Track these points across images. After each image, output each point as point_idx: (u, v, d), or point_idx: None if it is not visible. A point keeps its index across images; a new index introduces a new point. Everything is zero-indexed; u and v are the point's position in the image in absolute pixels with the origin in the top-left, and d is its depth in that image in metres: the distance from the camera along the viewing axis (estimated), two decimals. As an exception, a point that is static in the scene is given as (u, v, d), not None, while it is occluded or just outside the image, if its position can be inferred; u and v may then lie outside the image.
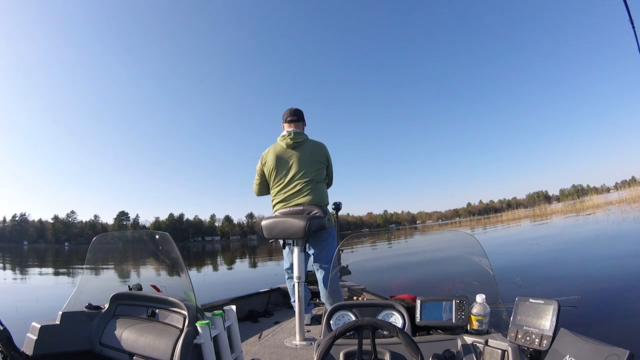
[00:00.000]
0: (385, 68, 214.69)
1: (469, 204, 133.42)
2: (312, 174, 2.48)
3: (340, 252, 2.41)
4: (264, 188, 2.66)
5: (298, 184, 2.46)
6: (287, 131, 2.55)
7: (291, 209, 2.42)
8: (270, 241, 2.42)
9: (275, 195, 2.55)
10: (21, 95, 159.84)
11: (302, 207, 2.39)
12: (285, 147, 2.52)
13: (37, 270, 14.47)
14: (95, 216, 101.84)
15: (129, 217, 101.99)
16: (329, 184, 2.72)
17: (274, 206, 2.56)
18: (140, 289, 1.68)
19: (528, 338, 1.17)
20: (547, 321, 1.15)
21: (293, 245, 2.27)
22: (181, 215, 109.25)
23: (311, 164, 2.50)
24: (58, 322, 1.47)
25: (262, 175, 2.61)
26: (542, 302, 1.19)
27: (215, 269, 13.49)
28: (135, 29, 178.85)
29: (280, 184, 2.51)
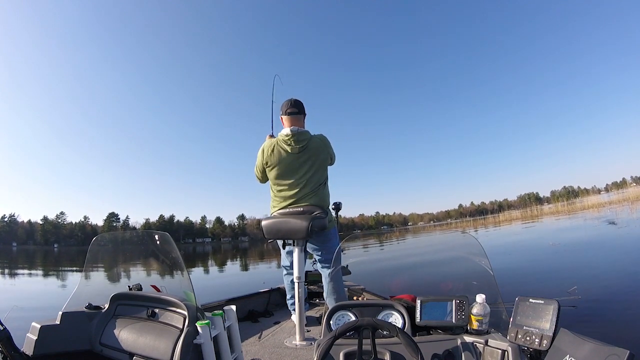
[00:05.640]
0: (377, 69, 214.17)
1: (460, 206, 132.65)
2: (316, 178, 2.43)
3: (342, 251, 2.41)
4: (266, 177, 2.56)
5: (301, 189, 2.40)
6: (291, 130, 2.41)
7: (291, 209, 2.39)
8: (269, 241, 2.40)
9: (275, 197, 2.51)
10: (10, 95, 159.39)
11: (302, 209, 2.37)
12: (289, 151, 2.41)
13: (32, 271, 14.48)
14: (85, 217, 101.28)
15: (119, 218, 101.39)
16: (331, 163, 2.62)
17: (273, 206, 2.53)
18: (140, 289, 1.68)
19: (528, 338, 1.17)
20: (547, 321, 1.15)
21: (294, 245, 2.26)
22: (172, 217, 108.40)
23: (315, 168, 2.43)
24: (58, 322, 1.47)
25: (264, 170, 2.53)
26: (542, 302, 1.19)
27: (206, 271, 13.40)
28: (127, 30, 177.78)
29: (283, 188, 2.46)
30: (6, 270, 14.87)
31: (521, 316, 1.23)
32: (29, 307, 4.62)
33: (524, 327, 1.19)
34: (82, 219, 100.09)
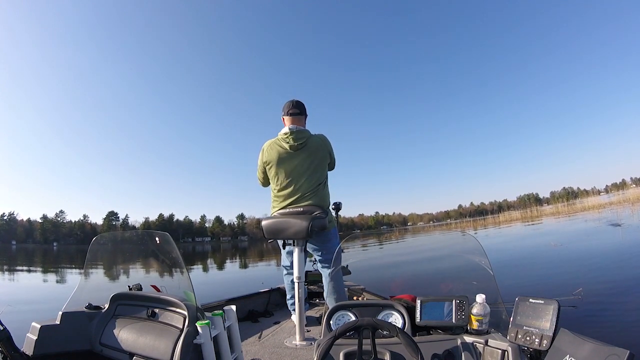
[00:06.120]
0: (377, 69, 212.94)
1: (459, 206, 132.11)
2: (315, 176, 2.43)
3: (341, 251, 2.42)
4: (268, 180, 2.59)
5: (300, 187, 2.41)
6: (290, 128, 2.42)
7: (291, 209, 2.40)
8: (269, 241, 2.41)
9: (275, 196, 2.51)
10: (10, 95, 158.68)
11: (302, 209, 2.37)
12: (288, 149, 2.42)
13: (32, 270, 14.46)
14: (85, 216, 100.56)
15: (118, 217, 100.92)
16: (332, 167, 2.65)
17: (273, 206, 2.54)
18: (140, 289, 1.69)
19: (528, 338, 1.17)
20: (547, 321, 1.15)
21: (294, 245, 2.26)
22: (171, 216, 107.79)
23: (314, 166, 2.44)
24: (58, 322, 1.47)
25: (265, 171, 2.55)
26: (542, 302, 1.20)
27: (205, 270, 13.36)
28: (127, 30, 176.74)
29: (282, 187, 2.46)
30: (5, 268, 14.85)
31: (521, 316, 1.23)
32: (28, 307, 4.61)
33: (524, 327, 1.20)
34: (82, 218, 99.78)
